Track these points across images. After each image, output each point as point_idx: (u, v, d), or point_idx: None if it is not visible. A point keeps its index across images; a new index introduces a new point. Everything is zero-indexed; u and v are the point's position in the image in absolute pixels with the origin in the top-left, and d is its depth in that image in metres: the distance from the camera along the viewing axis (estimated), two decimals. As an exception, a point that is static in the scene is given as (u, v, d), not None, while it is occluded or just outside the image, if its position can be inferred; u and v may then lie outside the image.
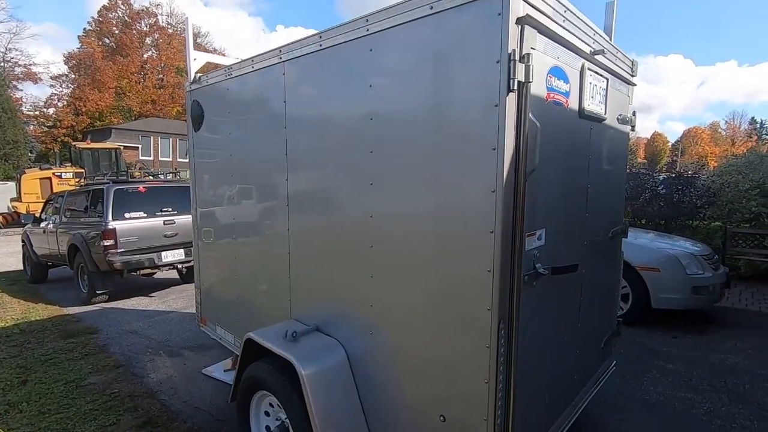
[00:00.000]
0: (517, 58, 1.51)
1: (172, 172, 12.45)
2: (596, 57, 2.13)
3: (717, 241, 7.47)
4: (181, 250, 6.95)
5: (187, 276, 7.75)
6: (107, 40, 38.70)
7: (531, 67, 1.53)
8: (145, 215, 6.76)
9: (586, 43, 2.02)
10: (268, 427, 2.46)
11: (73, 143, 20.73)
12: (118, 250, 6.42)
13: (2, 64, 30.68)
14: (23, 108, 33.49)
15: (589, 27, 2.05)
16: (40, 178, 16.69)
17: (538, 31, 1.63)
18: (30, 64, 34.35)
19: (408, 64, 1.83)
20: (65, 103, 35.74)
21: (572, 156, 2.08)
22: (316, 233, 2.41)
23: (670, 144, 61.56)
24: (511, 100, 1.53)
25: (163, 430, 3.07)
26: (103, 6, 38.29)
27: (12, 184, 18.43)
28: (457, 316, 1.74)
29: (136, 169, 17.32)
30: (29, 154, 30.55)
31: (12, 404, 3.47)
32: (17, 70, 33.95)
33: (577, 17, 1.92)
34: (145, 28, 40.34)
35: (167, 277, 8.04)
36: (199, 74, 3.28)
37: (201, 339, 4.77)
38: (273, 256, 2.72)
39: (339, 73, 2.15)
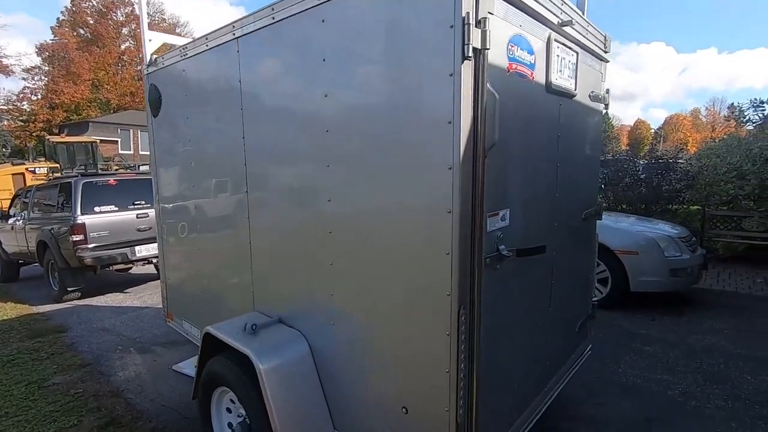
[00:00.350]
0: (472, 22, 1.39)
1: (142, 165, 12.13)
2: (564, 29, 2.02)
3: (696, 224, 7.54)
4: (156, 244, 6.73)
5: (163, 271, 7.53)
6: (82, 31, 37.40)
7: (488, 32, 1.42)
8: (117, 209, 6.53)
9: (552, 13, 1.90)
10: (230, 424, 2.35)
11: (47, 137, 20.05)
12: (89, 246, 6.20)
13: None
14: (-5, 102, 32.31)
15: (557, -4, 1.95)
16: (13, 174, 16.11)
17: (497, -5, 1.52)
18: (0, 56, 33.06)
19: (361, 35, 1.70)
20: (39, 96, 34.57)
21: (540, 133, 1.98)
22: (276, 220, 2.29)
23: (652, 131, 62.41)
24: (467, 68, 1.41)
25: (126, 431, 2.94)
26: (77, -5, 36.97)
27: (-15, 181, 17.79)
28: (416, 302, 1.64)
29: (114, 162, 16.87)
30: (3, 150, 29.52)
31: (-33, 408, 3.30)
32: (-13, 62, 32.63)
33: (542, -17, 1.81)
34: (121, 18, 39.10)
35: (143, 272, 7.82)
36: (155, 56, 3.09)
37: (173, 335, 4.61)
38: (234, 246, 2.59)
39: (293, 47, 2.01)
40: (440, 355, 1.57)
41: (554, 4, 1.91)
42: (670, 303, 5.12)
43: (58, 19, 37.40)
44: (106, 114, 33.56)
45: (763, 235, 6.78)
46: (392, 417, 1.79)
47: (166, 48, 3.14)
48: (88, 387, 3.62)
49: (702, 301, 5.26)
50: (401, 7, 1.55)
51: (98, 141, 19.66)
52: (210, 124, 2.67)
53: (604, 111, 2.72)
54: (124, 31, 39.29)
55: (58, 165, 16.71)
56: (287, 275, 2.26)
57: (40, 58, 35.59)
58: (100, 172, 6.86)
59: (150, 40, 3.10)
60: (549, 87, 1.95)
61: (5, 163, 18.93)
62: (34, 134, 32.24)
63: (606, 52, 2.64)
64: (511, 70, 1.66)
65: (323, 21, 1.82)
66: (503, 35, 1.60)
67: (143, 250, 6.63)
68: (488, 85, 1.45)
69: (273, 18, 2.05)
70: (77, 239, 6.14)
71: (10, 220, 8.00)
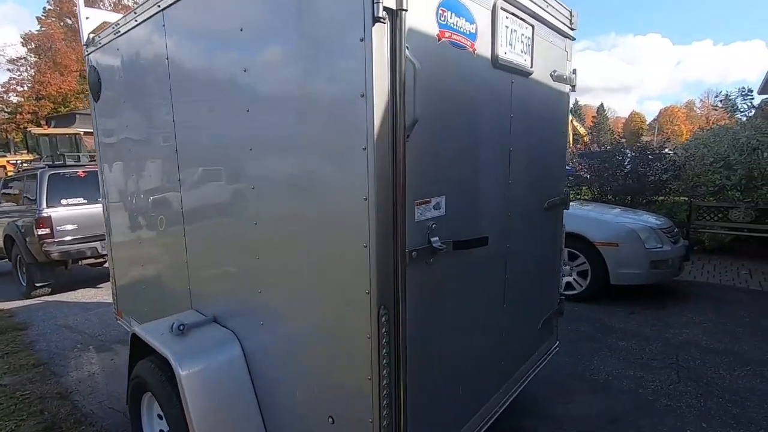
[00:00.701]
0: (384, -22, 1.20)
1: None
2: (516, -2, 1.83)
3: (681, 215, 7.41)
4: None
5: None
6: (69, 21, 36.64)
7: (405, -9, 1.23)
8: (86, 201, 6.28)
9: (498, -22, 1.71)
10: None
11: (29, 129, 19.62)
12: (55, 240, 5.97)
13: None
14: (-19, 94, 31.62)
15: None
16: (-7, 167, 15.80)
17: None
18: (-16, 47, 32.33)
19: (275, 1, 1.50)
20: (26, 87, 33.90)
21: (485, 112, 1.79)
22: (207, 211, 2.10)
23: (647, 123, 62.41)
24: (380, 32, 1.22)
25: (65, 435, 2.77)
26: (62, -16, 36.13)
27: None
28: (337, 301, 1.47)
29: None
30: (-11, 143, 28.99)
31: None
32: (-29, 54, 31.91)
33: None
34: (109, 8, 38.30)
35: (118, 266, 7.60)
36: (92, 35, 2.87)
37: (136, 331, 4.44)
38: (170, 239, 2.40)
39: (213, 18, 1.81)
40: (362, 360, 1.40)
41: (501, -32, 1.72)
42: (652, 296, 4.99)
43: (44, 8, 36.61)
44: (94, 106, 32.89)
45: (750, 226, 6.67)
46: (320, 427, 1.62)
47: (105, 26, 2.92)
48: (36, 388, 3.43)
49: (684, 294, 5.14)
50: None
51: (82, 133, 19.28)
52: (143, 108, 2.47)
53: (570, 92, 2.54)
54: (112, 21, 38.46)
55: (39, 157, 16.36)
56: (220, 271, 2.08)
57: (25, 49, 34.88)
58: (68, 163, 6.59)
59: (87, 18, 2.88)
60: (496, 62, 1.76)
61: (-13, 156, 18.57)
62: (21, 126, 31.64)
63: (572, 29, 2.45)
64: (443, 39, 1.47)
65: (240, -14, 1.62)
66: (431, -2, 1.41)
67: (114, 244, 6.40)
68: (407, 52, 1.26)
69: (194, -14, 1.85)
70: (43, 233, 5.92)
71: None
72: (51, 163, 6.61)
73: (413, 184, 1.39)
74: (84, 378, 3.59)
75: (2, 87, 34.02)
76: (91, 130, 3.19)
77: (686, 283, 5.53)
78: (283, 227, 1.63)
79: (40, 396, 3.30)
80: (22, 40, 34.99)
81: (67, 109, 32.62)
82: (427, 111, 1.42)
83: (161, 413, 2.17)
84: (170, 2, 2.01)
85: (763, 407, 2.78)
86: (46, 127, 20.65)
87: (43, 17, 36.18)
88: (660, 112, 66.15)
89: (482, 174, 1.81)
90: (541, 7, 2.06)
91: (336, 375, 1.53)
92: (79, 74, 34.48)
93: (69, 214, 6.12)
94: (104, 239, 6.30)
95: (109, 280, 7.13)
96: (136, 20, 2.32)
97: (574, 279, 4.93)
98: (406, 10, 1.23)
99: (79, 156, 8.13)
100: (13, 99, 33.84)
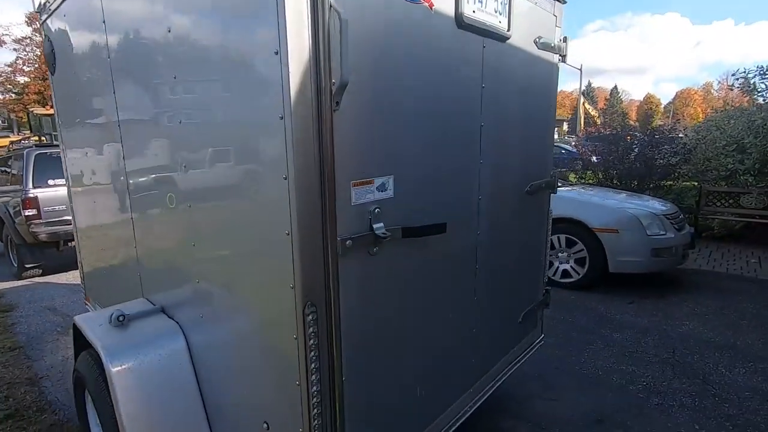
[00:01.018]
0: None
1: None
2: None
3: (690, 200, 7.10)
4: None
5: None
6: None
7: (328, -77, 1.00)
8: (74, 182, 6.17)
9: None
10: (109, 427, 2.06)
11: (32, 109, 19.57)
12: (43, 221, 5.88)
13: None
14: (-10, 74, 31.53)
15: None
16: (-3, 147, 15.79)
17: None
18: (-11, 27, 32.09)
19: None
20: (32, 67, 33.78)
21: (447, 80, 1.56)
22: (150, 192, 1.92)
23: (662, 106, 60.75)
24: (294, -26, 1.00)
25: (25, 424, 2.67)
26: (65, -39, 35.51)
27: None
28: (264, 297, 1.29)
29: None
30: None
31: None
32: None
33: None
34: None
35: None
36: (44, 0, 2.66)
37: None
38: (121, 222, 2.23)
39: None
40: (289, 364, 1.23)
41: None
42: (653, 285, 4.76)
43: (47, -13, 36.16)
44: (100, 86, 32.76)
45: (762, 212, 6.34)
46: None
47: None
48: (7, 373, 3.35)
49: (688, 283, 4.90)
50: None
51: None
52: (90, 79, 2.27)
53: (559, 62, 2.28)
54: None
55: (38, 137, 16.31)
56: (163, 257, 1.91)
57: (30, 28, 34.65)
58: (55, 143, 6.45)
59: (39, -18, 2.67)
60: (461, 21, 1.52)
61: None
62: (28, 107, 31.66)
63: (563, -9, 2.19)
64: (388, -11, 1.24)
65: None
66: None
67: (103, 226, 6.31)
68: (332, 1, 1.04)
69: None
70: (30, 214, 5.83)
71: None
72: (38, 142, 6.49)
73: (349, 162, 1.19)
74: (57, 363, 3.50)
75: (10, 67, 33.93)
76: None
77: (690, 272, 5.29)
78: (211, 210, 1.45)
79: (9, 381, 3.21)
80: (26, 20, 34.72)
81: (72, 89, 32.48)
82: (366, 76, 1.20)
83: (103, 410, 2.05)
84: (102, -43, 1.80)
85: (764, 408, 2.58)
86: (47, 107, 20.56)
87: (47, -4, 35.76)
88: (676, 95, 64.35)
89: (443, 152, 1.59)
90: (522, -38, 1.80)
91: (268, 378, 1.36)
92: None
93: (57, 194, 5.99)
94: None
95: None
96: (76, -20, 2.11)
97: (571, 266, 4.71)
98: (326, -53, 1.01)
99: None
100: (21, 79, 33.79)
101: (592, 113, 26.30)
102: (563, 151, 12.68)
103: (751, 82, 7.78)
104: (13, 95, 33.35)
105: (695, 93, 62.20)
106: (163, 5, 1.47)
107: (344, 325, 1.23)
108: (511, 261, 2.17)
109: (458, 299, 1.81)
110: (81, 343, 2.00)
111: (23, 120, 30.19)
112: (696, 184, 7.26)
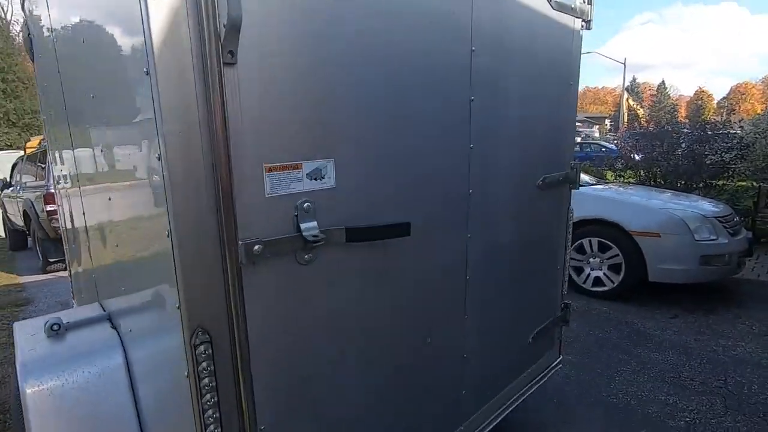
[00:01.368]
0: None
1: None
2: None
3: (747, 202, 6.31)
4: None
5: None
6: None
7: None
8: (94, 178, 6.23)
9: None
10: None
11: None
12: (63, 216, 5.95)
13: (11, 33, 30.29)
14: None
15: None
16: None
17: None
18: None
19: None
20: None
21: (419, 40, 1.21)
22: (91, 184, 1.68)
23: (715, 102, 56.91)
24: None
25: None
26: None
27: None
28: (155, 318, 1.00)
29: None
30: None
31: None
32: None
33: None
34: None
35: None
36: (19, -18, 2.51)
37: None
38: (78, 216, 2.03)
39: None
40: (184, 410, 0.92)
41: None
42: (702, 297, 4.17)
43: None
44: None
45: (834, 216, 5.53)
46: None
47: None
48: (2, 371, 3.29)
49: (743, 296, 4.26)
50: None
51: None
52: (53, 69, 2.07)
53: (582, 30, 1.87)
54: None
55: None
56: (99, 258, 1.67)
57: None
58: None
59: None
60: (437, -40, 1.17)
61: (36, 136, 19.63)
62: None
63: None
64: None
65: None
66: None
67: (121, 222, 6.33)
68: None
69: None
70: (51, 209, 5.91)
71: (10, 189, 8.01)
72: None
73: (260, 138, 0.87)
74: (49, 363, 3.40)
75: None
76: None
77: (746, 283, 4.63)
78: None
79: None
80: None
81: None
82: (286, 13, 0.88)
83: None
84: None
85: (844, 460, 2.06)
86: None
87: None
88: (731, 90, 60.14)
89: (413, 130, 1.23)
90: None
91: (169, 420, 1.07)
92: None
93: (77, 191, 6.06)
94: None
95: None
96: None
97: (604, 274, 4.20)
98: None
99: None
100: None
101: (637, 109, 24.80)
102: (603, 150, 11.89)
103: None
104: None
105: (753, 87, 57.94)
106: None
107: (257, 360, 0.92)
108: (516, 270, 1.79)
109: (440, 319, 1.45)
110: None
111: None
112: (754, 183, 6.46)
